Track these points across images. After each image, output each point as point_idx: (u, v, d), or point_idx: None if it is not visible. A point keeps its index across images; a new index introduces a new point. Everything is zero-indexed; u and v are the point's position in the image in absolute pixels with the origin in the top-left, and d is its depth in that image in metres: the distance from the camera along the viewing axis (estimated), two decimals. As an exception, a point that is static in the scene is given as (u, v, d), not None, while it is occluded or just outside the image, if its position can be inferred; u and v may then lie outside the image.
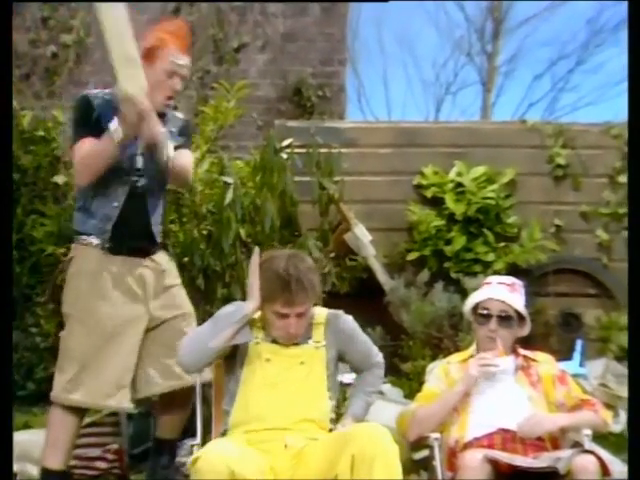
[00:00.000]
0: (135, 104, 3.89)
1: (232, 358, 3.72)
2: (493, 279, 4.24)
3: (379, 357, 3.98)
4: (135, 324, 4.20)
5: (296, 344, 3.68)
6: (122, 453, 4.82)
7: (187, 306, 4.40)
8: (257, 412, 3.53)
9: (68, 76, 7.61)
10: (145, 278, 4.24)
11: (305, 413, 3.59)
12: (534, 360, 4.08)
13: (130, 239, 4.19)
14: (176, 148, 4.23)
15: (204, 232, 5.76)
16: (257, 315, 3.70)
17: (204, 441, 3.70)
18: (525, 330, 4.07)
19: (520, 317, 4.03)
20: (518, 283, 4.13)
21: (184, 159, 4.27)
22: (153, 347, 4.26)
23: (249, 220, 5.76)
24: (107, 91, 4.24)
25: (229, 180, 5.73)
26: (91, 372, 4.12)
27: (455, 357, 4.24)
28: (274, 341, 3.68)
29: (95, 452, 4.76)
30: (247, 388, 3.61)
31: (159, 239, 4.34)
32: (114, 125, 3.94)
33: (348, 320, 3.86)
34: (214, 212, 5.76)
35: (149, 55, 4.14)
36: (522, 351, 4.10)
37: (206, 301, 5.44)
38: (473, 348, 4.15)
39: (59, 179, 6.43)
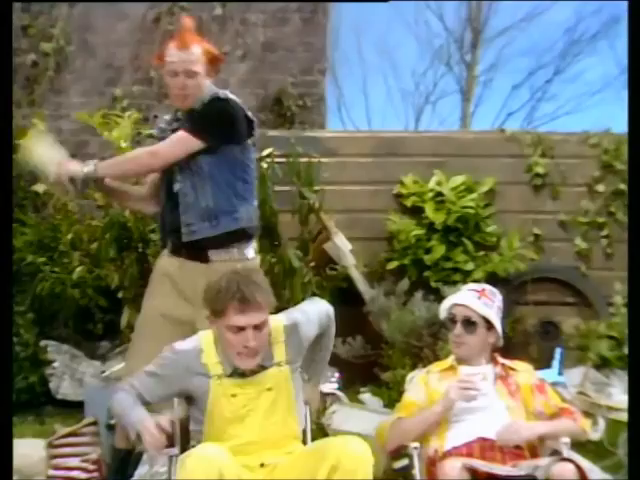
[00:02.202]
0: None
1: (191, 394, 3.65)
2: (465, 286, 4.29)
3: (329, 312, 3.94)
4: (183, 327, 4.21)
5: (262, 367, 3.58)
6: (101, 463, 4.80)
7: None
8: (230, 445, 3.43)
9: (48, 84, 7.58)
10: (197, 285, 4.18)
11: (277, 433, 3.57)
12: (513, 369, 4.09)
13: (170, 239, 4.35)
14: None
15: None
16: (212, 348, 3.61)
17: (182, 451, 3.69)
18: (497, 338, 4.08)
19: (489, 324, 4.04)
20: (489, 290, 4.14)
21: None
22: None
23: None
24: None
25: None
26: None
27: (435, 366, 4.24)
28: (236, 373, 3.56)
29: (74, 462, 4.75)
30: (216, 426, 3.54)
31: (188, 234, 4.32)
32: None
33: (306, 326, 3.78)
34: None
35: (158, 63, 4.39)
36: (501, 360, 4.11)
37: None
38: (453, 357, 4.16)
39: (39, 188, 6.42)
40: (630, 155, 4.08)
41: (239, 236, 4.29)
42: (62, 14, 7.55)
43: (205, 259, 4.27)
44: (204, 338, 3.66)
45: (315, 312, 3.88)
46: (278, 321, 3.73)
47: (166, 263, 4.36)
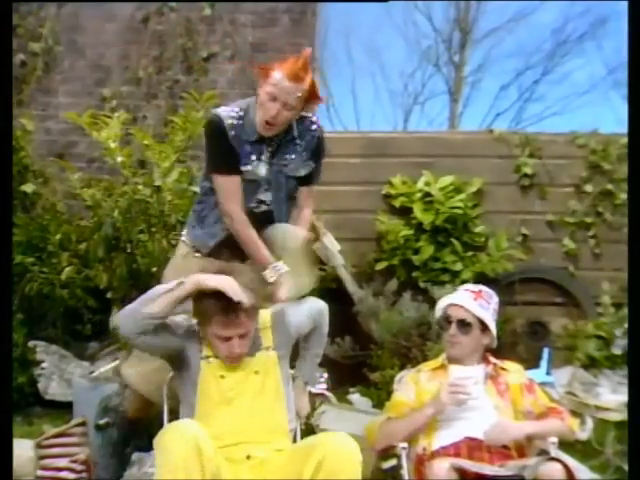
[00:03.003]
0: None
1: (184, 370, 3.69)
2: (462, 287, 4.32)
3: (321, 309, 4.02)
4: None
5: (247, 354, 3.64)
6: (90, 463, 4.79)
7: None
8: (218, 431, 3.46)
9: (37, 84, 7.56)
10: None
11: (265, 422, 3.60)
12: (504, 369, 4.12)
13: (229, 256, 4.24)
14: (301, 181, 4.39)
15: (173, 242, 5.75)
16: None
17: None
18: (491, 339, 4.10)
19: (484, 325, 4.05)
20: (486, 291, 4.16)
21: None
22: None
23: (218, 230, 5.76)
24: (237, 110, 4.24)
25: (198, 190, 5.73)
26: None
27: (425, 366, 4.26)
28: None
29: (63, 462, 4.74)
30: (204, 407, 3.58)
31: None
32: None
33: (293, 313, 3.86)
34: (183, 222, 5.74)
35: (262, 76, 4.16)
36: (493, 359, 4.13)
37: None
38: (444, 357, 4.17)
39: (28, 188, 6.40)
40: (630, 155, 4.09)
41: None
42: (50, 14, 7.54)
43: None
44: None
45: (306, 304, 3.97)
46: (266, 310, 3.81)
47: (200, 265, 4.22)
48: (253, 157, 4.20)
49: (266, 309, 3.83)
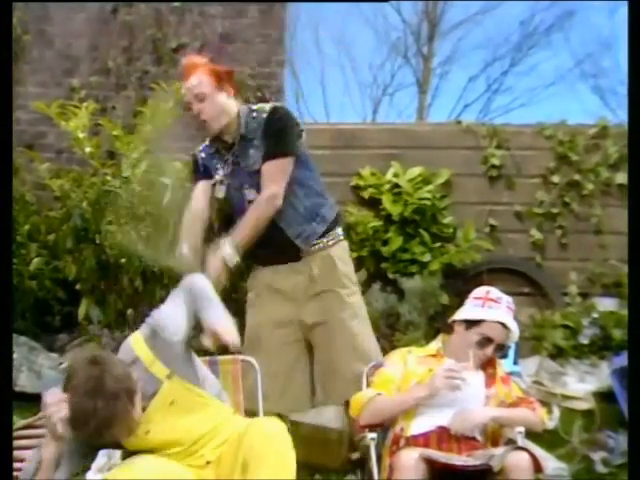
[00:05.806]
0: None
1: None
2: (501, 298, 4.15)
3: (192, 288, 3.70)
4: (287, 329, 4.40)
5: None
6: (59, 455, 4.79)
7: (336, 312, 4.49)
8: (173, 437, 3.41)
9: (4, 74, 7.52)
10: (295, 282, 4.40)
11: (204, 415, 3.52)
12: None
13: (264, 254, 4.36)
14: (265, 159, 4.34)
15: (142, 233, 5.75)
16: None
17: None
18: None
19: None
20: (513, 306, 4.15)
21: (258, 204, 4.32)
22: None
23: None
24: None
25: (167, 181, 5.73)
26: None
27: (419, 350, 4.22)
28: None
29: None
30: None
31: (304, 241, 4.38)
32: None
33: (165, 327, 3.56)
34: (152, 213, 5.75)
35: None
36: None
37: (144, 303, 5.43)
38: (439, 346, 4.14)
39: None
40: (630, 153, 4.12)
41: (336, 221, 4.53)
42: (19, 3, 7.49)
43: (297, 258, 4.38)
44: None
45: (171, 305, 3.64)
46: (138, 337, 3.57)
47: (263, 276, 4.47)
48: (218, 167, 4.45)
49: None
